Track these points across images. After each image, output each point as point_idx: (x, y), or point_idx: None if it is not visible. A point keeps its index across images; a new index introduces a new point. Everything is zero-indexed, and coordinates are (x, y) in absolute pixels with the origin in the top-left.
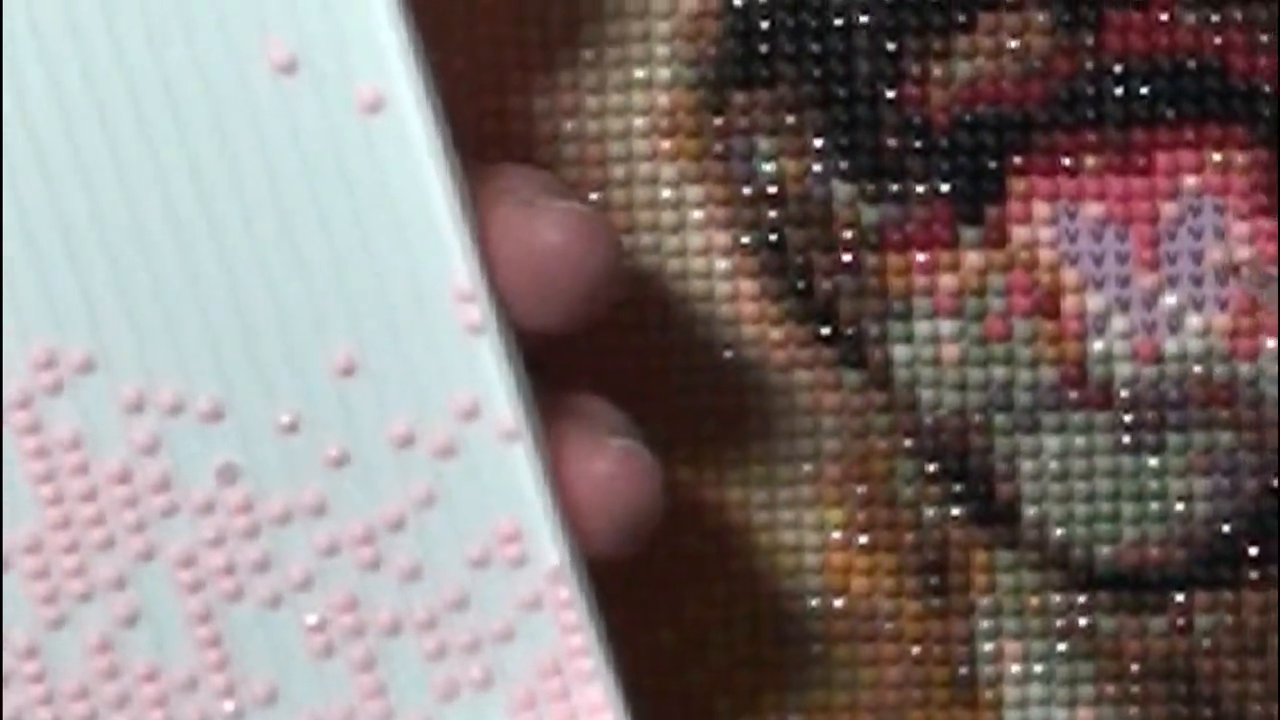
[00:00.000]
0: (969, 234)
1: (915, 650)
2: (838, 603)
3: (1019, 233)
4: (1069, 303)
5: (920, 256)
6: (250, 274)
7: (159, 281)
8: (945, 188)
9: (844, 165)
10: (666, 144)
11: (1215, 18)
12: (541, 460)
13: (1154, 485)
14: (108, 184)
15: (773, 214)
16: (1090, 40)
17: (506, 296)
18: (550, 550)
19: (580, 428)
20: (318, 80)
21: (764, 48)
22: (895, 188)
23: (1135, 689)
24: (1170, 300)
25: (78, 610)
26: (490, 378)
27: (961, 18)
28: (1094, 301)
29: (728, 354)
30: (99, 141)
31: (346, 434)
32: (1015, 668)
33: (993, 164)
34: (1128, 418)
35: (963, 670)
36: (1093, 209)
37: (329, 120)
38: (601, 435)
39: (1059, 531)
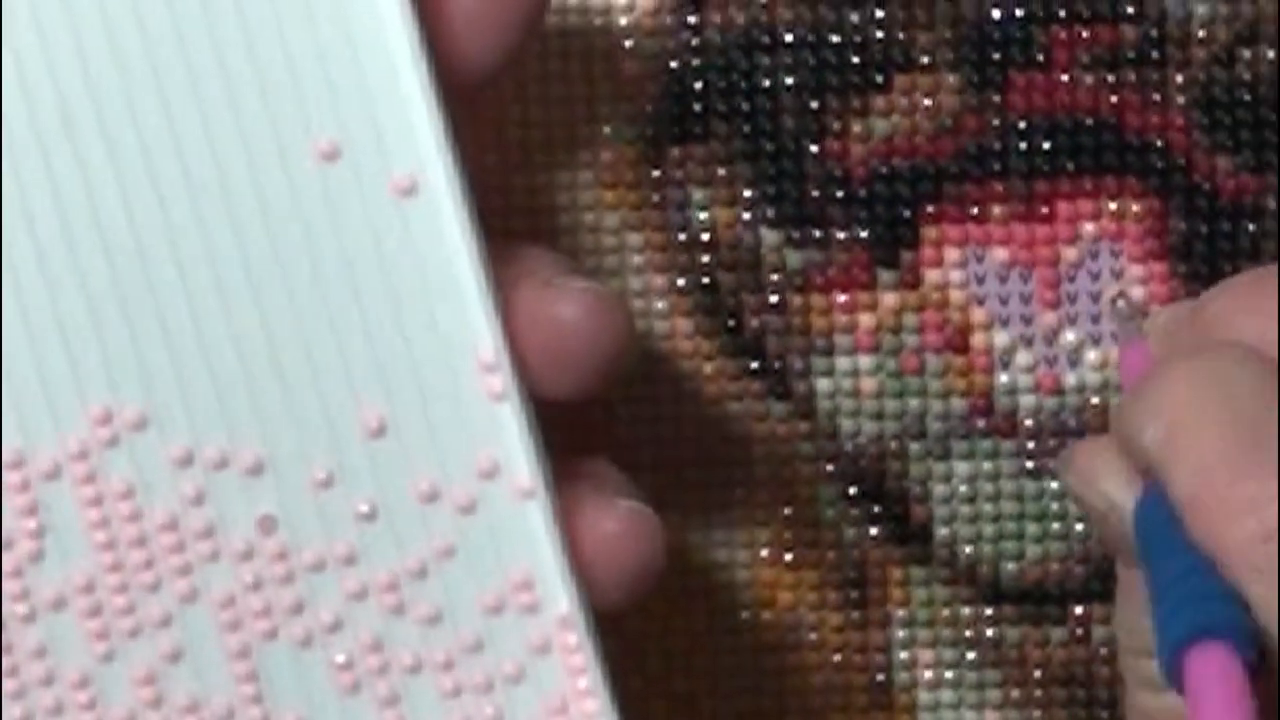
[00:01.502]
0: (885, 276)
1: (836, 658)
2: (766, 615)
3: (931, 275)
4: (977, 339)
5: (841, 297)
6: (291, 342)
7: (207, 348)
8: (864, 234)
9: (771, 214)
10: (608, 195)
11: (1111, 79)
12: (554, 517)
13: (1055, 507)
14: (162, 257)
15: (706, 259)
16: (996, 99)
17: (526, 367)
18: (560, 599)
19: (591, 489)
20: (357, 167)
21: (697, 106)
22: (818, 234)
23: (1038, 694)
24: (1070, 337)
25: (127, 646)
26: (510, 441)
27: (878, 78)
28: (1000, 338)
29: (664, 386)
30: (155, 218)
31: (376, 490)
32: (928, 674)
33: (907, 212)
34: (1031, 445)
35: (880, 677)
36: (999, 253)
37: (366, 203)
38: (610, 496)
39: (968, 549)
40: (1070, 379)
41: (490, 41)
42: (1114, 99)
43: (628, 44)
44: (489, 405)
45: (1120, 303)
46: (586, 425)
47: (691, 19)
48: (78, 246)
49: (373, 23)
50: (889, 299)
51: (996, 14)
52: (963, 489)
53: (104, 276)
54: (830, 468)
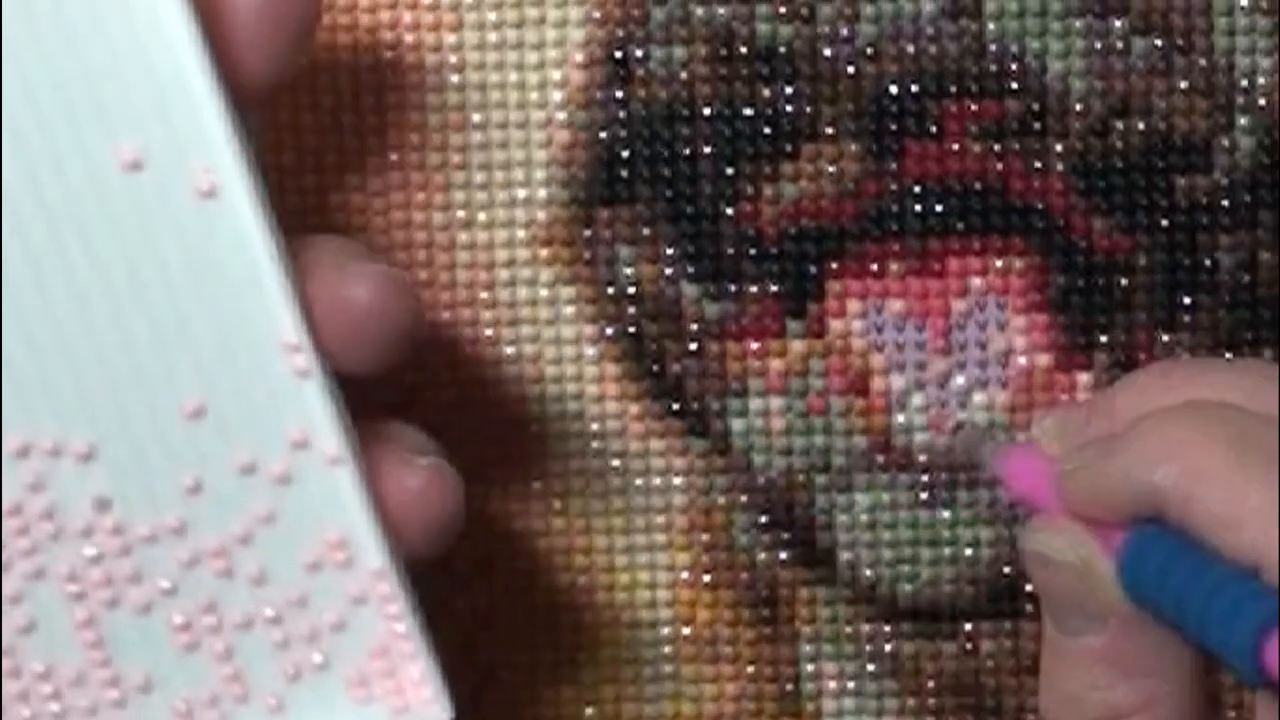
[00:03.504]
0: (794, 326)
1: (749, 670)
2: (685, 630)
3: (835, 325)
4: (876, 383)
5: (753, 344)
6: (113, 339)
7: (36, 349)
8: (774, 288)
9: (690, 269)
10: (544, 252)
11: (997, 147)
12: (362, 479)
13: (947, 534)
14: None
15: (632, 310)
16: (894, 166)
17: (326, 345)
18: (373, 554)
19: (393, 450)
20: (160, 175)
21: (624, 172)
22: (733, 288)
23: (932, 702)
24: (960, 381)
25: None
26: (317, 414)
27: (787, 147)
28: (897, 382)
29: (595, 425)
30: None
31: (199, 466)
32: (832, 685)
33: (813, 268)
34: (925, 478)
35: (789, 687)
36: (896, 305)
37: (171, 207)
38: (412, 455)
39: (868, 572)
40: (960, 418)
41: (269, 53)
42: (999, 166)
43: (561, 116)
44: (295, 382)
45: (964, 430)
46: (523, 457)
47: (619, 94)
48: None
49: (162, 42)
50: (797, 346)
51: (893, 89)
52: (863, 518)
53: None
54: (744, 498)
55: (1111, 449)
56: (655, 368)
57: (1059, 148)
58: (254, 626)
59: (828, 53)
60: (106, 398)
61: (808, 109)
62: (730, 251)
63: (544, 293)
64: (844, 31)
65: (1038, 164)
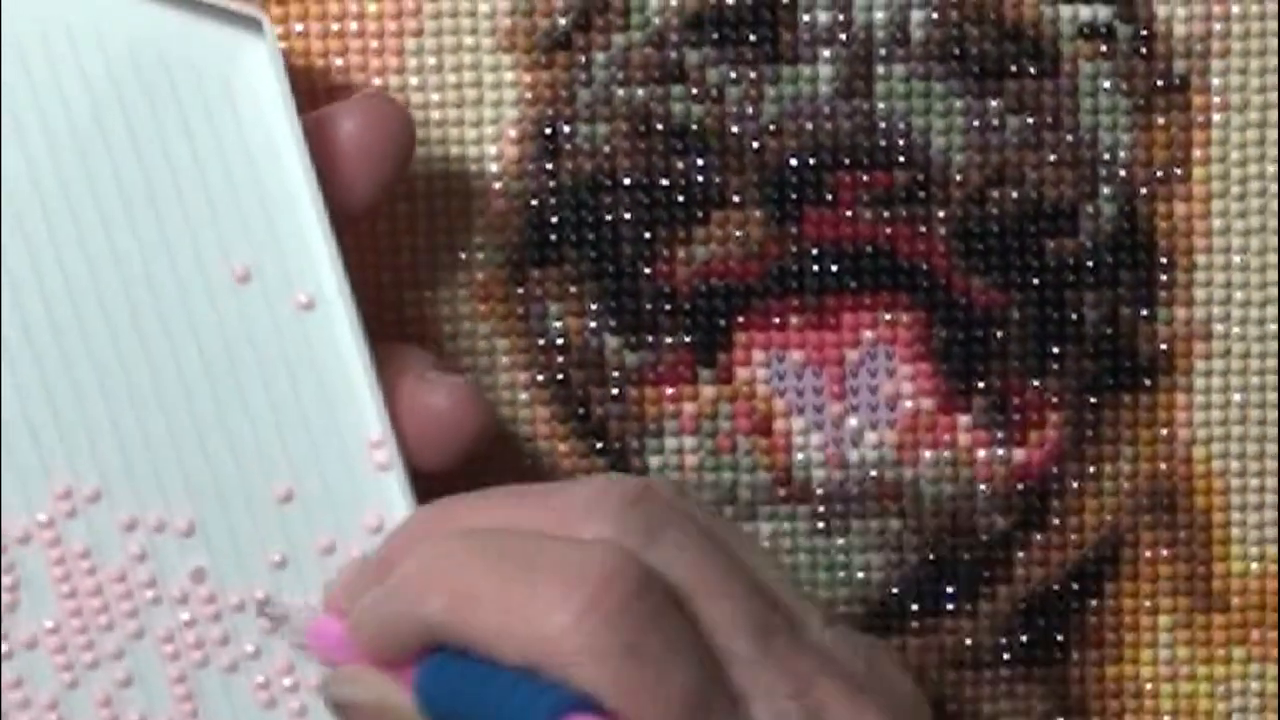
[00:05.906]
0: (705, 373)
1: None
2: None
3: (742, 372)
4: (778, 424)
5: (669, 390)
6: (215, 429)
7: (148, 435)
8: (687, 339)
9: (613, 323)
10: (482, 307)
11: (886, 214)
12: None
13: (842, 559)
14: (110, 362)
15: (560, 359)
16: (794, 230)
17: (406, 444)
18: None
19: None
20: (266, 287)
21: (553, 236)
22: (650, 339)
23: None
24: (853, 422)
25: (87, 675)
26: (394, 502)
27: (699, 214)
28: (797, 423)
29: (528, 462)
30: (103, 333)
31: (286, 544)
32: None
33: (722, 322)
34: (821, 509)
35: None
36: (796, 355)
37: (274, 317)
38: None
39: None
40: (853, 456)
41: (369, 179)
42: (888, 230)
43: (497, 186)
44: (376, 475)
45: (268, 609)
46: (466, 491)
47: (548, 166)
48: (43, 358)
49: (276, 171)
50: (707, 391)
51: (794, 161)
52: (767, 544)
53: (65, 380)
54: None
55: (387, 593)
56: (581, 411)
57: (941, 214)
58: None
59: (735, 129)
60: (207, 481)
61: (717, 180)
62: (648, 307)
63: (482, 344)
64: (749, 110)
65: (922, 228)
